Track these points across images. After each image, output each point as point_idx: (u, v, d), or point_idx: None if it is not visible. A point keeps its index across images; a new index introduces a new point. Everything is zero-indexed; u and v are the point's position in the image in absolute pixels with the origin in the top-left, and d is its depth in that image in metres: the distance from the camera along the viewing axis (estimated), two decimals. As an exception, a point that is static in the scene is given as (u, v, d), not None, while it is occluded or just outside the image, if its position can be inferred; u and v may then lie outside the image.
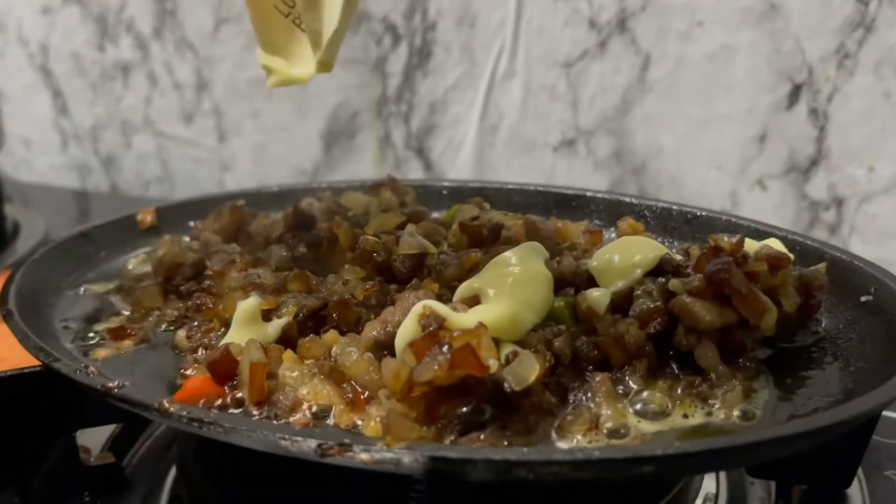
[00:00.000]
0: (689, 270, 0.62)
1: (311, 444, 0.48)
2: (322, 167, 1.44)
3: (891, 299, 0.63)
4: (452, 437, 0.51)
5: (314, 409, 0.56)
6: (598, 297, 0.60)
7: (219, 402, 0.57)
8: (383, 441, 0.49)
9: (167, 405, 0.53)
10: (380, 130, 1.37)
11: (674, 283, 0.59)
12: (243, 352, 0.59)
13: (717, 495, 0.67)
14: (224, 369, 0.59)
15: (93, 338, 0.69)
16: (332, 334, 0.61)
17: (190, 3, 1.46)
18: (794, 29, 1.05)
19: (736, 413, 0.55)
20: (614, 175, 1.21)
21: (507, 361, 0.53)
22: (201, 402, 0.57)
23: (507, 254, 0.65)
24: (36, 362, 0.61)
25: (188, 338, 0.67)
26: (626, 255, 0.63)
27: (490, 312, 0.57)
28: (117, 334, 0.69)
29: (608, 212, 0.89)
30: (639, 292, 0.60)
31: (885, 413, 0.66)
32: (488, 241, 0.73)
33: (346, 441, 0.47)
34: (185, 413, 0.52)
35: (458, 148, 1.32)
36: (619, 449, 0.49)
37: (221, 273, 0.72)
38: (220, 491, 0.67)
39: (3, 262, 1.21)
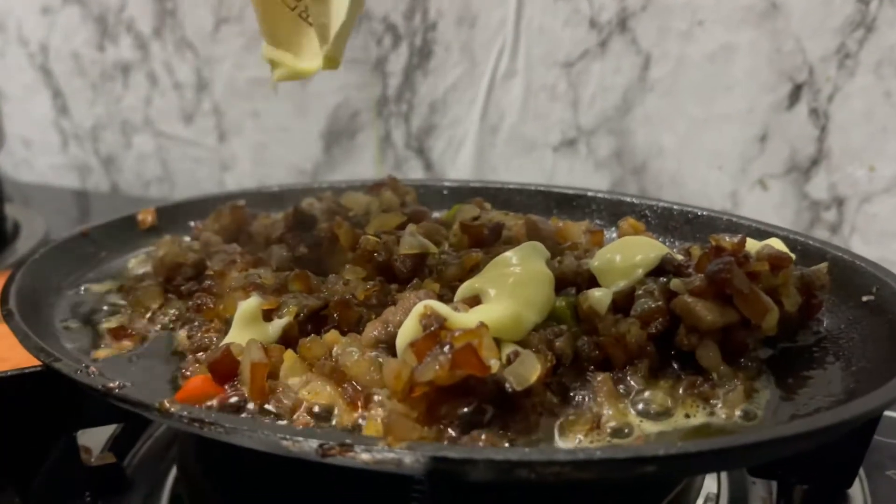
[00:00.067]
0: (690, 270, 0.62)
1: (313, 444, 0.48)
2: (322, 167, 1.44)
3: (892, 299, 0.63)
4: (454, 438, 0.51)
5: (315, 409, 0.56)
6: (599, 296, 0.60)
7: (219, 402, 0.57)
8: (385, 441, 0.49)
9: (168, 405, 0.53)
10: (380, 130, 1.37)
11: (675, 283, 0.59)
12: (244, 352, 0.59)
13: (718, 495, 0.67)
14: (225, 369, 0.59)
15: (94, 338, 0.69)
16: (332, 334, 0.61)
17: (190, 3, 1.46)
18: (795, 28, 1.04)
19: (738, 413, 0.55)
20: (615, 175, 1.21)
21: (509, 361, 0.53)
22: (202, 402, 0.56)
23: (508, 254, 0.65)
24: (36, 362, 0.61)
25: (189, 338, 0.67)
26: (627, 254, 0.63)
27: (491, 312, 0.57)
28: (118, 334, 0.69)
29: (609, 212, 0.89)
30: (640, 292, 0.60)
31: (887, 413, 0.66)
32: (489, 241, 0.73)
33: (348, 441, 0.47)
34: (185, 413, 0.52)
35: (458, 148, 1.32)
36: (621, 449, 0.49)
37: (222, 273, 0.72)
38: (221, 491, 0.67)
39: (3, 261, 1.21)
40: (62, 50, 1.62)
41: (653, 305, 0.59)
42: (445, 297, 0.63)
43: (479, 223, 0.75)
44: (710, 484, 0.68)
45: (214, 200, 0.93)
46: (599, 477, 0.46)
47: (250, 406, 0.57)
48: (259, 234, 0.83)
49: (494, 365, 0.51)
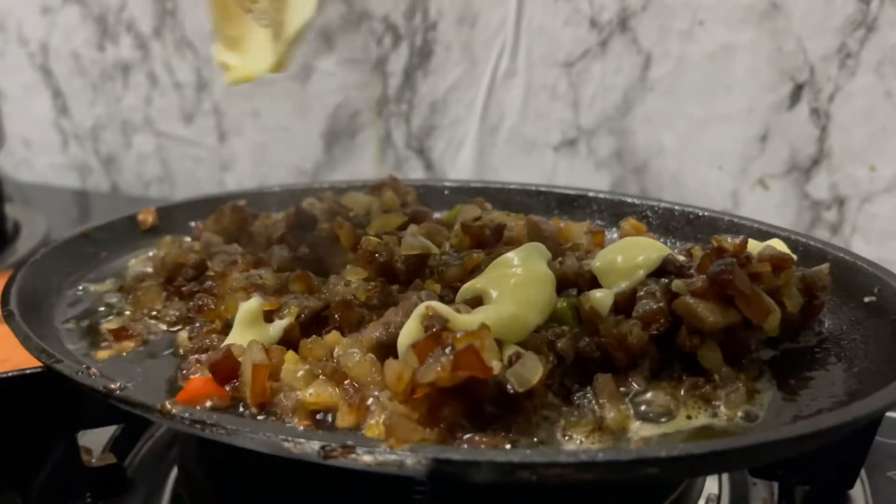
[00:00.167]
0: (692, 271, 0.62)
1: (314, 445, 0.48)
2: (322, 167, 1.44)
3: (894, 300, 0.63)
4: (455, 439, 0.51)
5: (316, 410, 0.56)
6: (601, 297, 0.60)
7: (220, 403, 0.57)
8: (386, 443, 0.49)
9: (169, 407, 0.53)
10: (380, 130, 1.37)
11: (677, 284, 0.59)
12: (245, 353, 0.59)
13: (719, 496, 0.67)
14: (226, 370, 0.59)
15: (94, 339, 0.69)
16: (334, 335, 0.61)
17: (190, 3, 1.46)
18: (796, 28, 1.04)
19: (739, 414, 0.55)
20: (615, 175, 1.21)
21: (511, 363, 0.53)
22: (203, 403, 0.56)
23: (510, 254, 0.65)
24: (37, 363, 0.61)
25: (190, 339, 0.67)
26: (628, 255, 0.63)
27: (493, 313, 0.56)
28: (119, 335, 0.69)
29: (610, 212, 0.89)
30: (642, 293, 0.60)
31: (888, 414, 0.66)
32: (490, 242, 0.73)
33: (350, 443, 0.47)
34: (187, 415, 0.52)
35: (458, 148, 1.32)
36: (623, 451, 0.49)
37: (223, 274, 0.72)
38: (222, 492, 0.67)
39: (3, 261, 1.21)
40: (62, 50, 1.61)
41: (654, 306, 0.59)
42: (446, 297, 0.64)
43: (480, 224, 0.75)
44: (711, 485, 0.68)
45: (215, 200, 0.93)
46: (601, 478, 0.46)
47: (251, 407, 0.57)
48: (260, 234, 0.83)
49: (496, 366, 0.51)
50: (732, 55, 1.09)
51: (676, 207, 0.85)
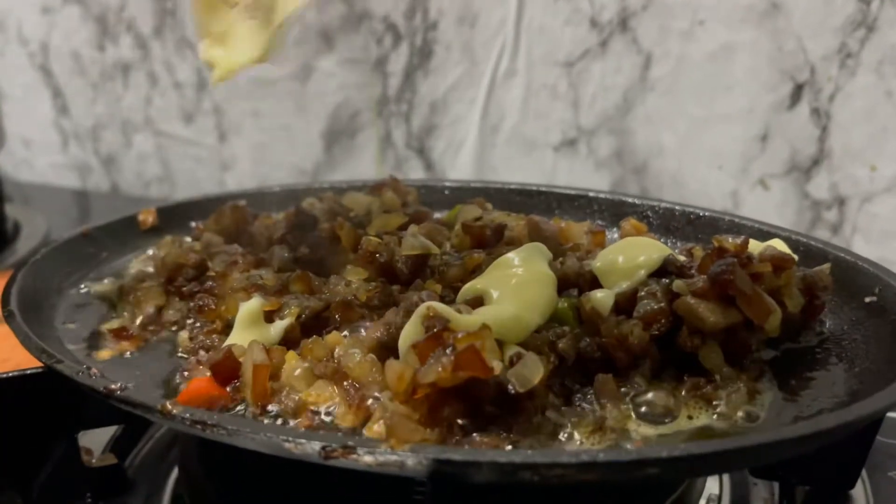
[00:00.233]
0: (692, 271, 0.61)
1: (315, 446, 0.48)
2: (322, 167, 1.44)
3: (895, 300, 0.63)
4: (456, 439, 0.51)
5: (317, 410, 0.56)
6: (601, 298, 0.60)
7: (221, 403, 0.57)
8: (387, 443, 0.49)
9: (170, 407, 0.53)
10: (380, 130, 1.37)
11: (678, 285, 0.59)
12: (246, 353, 0.59)
13: (720, 496, 0.67)
14: (227, 371, 0.59)
15: (95, 339, 0.69)
16: (334, 335, 0.61)
17: (190, 3, 1.46)
18: (796, 28, 1.04)
19: (741, 414, 0.55)
20: (615, 175, 1.21)
21: (512, 363, 0.53)
22: (204, 403, 0.56)
23: (511, 255, 0.65)
24: (38, 363, 0.61)
25: (190, 339, 0.67)
26: (629, 255, 0.63)
27: (494, 314, 0.56)
28: (119, 335, 0.69)
29: (611, 212, 0.89)
30: (643, 293, 0.60)
31: (889, 414, 0.66)
32: (491, 242, 0.73)
33: (350, 443, 0.47)
34: (188, 415, 0.52)
35: (458, 148, 1.32)
36: (624, 451, 0.49)
37: (224, 274, 0.72)
38: (223, 492, 0.67)
39: (4, 261, 1.21)
40: (62, 49, 1.61)
41: (655, 307, 0.59)
42: (447, 298, 0.63)
43: (480, 224, 0.75)
44: (711, 485, 0.68)
45: (215, 200, 0.93)
46: (602, 479, 0.46)
47: (252, 408, 0.57)
48: (260, 234, 0.83)
49: (497, 366, 0.51)
50: (733, 55, 1.09)
51: (677, 207, 0.84)
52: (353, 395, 0.56)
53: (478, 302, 0.60)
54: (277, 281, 0.69)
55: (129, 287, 0.77)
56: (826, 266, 0.66)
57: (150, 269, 0.80)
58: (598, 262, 0.64)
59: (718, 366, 0.58)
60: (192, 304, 0.71)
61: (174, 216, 0.92)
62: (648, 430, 0.54)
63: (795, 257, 0.63)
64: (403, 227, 0.77)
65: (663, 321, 0.59)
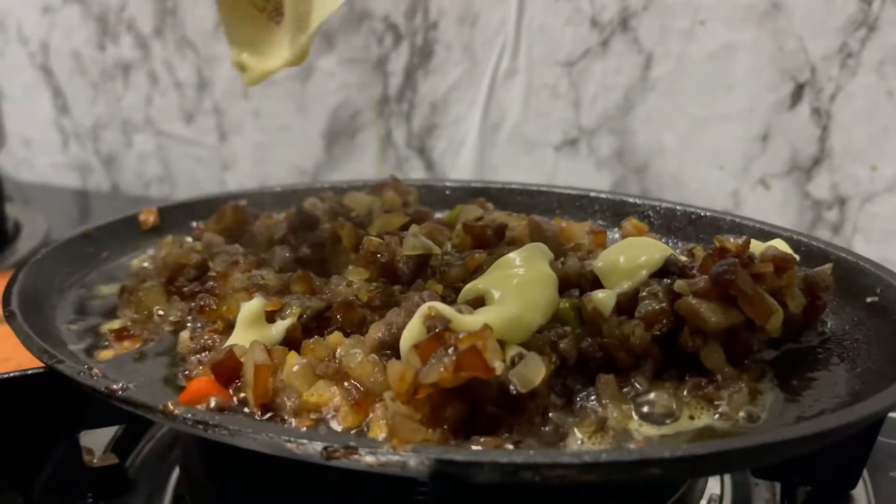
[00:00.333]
0: (694, 272, 0.61)
1: (317, 446, 0.48)
2: (323, 167, 1.44)
3: (896, 300, 0.63)
4: (458, 440, 0.51)
5: (319, 411, 0.56)
6: (603, 298, 0.60)
7: (222, 404, 0.57)
8: (389, 444, 0.49)
9: (172, 407, 0.53)
10: (381, 130, 1.37)
11: (679, 285, 0.59)
12: (247, 353, 0.59)
13: (721, 496, 0.67)
14: (228, 371, 0.59)
15: (96, 339, 0.69)
16: (336, 336, 0.61)
17: (190, 2, 1.46)
18: (797, 28, 1.04)
19: (742, 414, 0.55)
20: (616, 174, 1.21)
21: (513, 363, 0.53)
22: (205, 404, 0.56)
23: (512, 255, 0.65)
24: (39, 363, 0.61)
25: (192, 339, 0.67)
26: (631, 256, 0.63)
27: (495, 314, 0.56)
28: (120, 335, 0.69)
29: (612, 212, 0.89)
30: (644, 293, 0.60)
31: (891, 414, 0.66)
32: (492, 242, 0.73)
33: (352, 444, 0.47)
34: (189, 415, 0.52)
35: (459, 147, 1.31)
36: (626, 451, 0.49)
37: (225, 274, 0.72)
38: (224, 492, 0.67)
39: (4, 261, 1.21)
40: (62, 49, 1.61)
41: (657, 307, 0.59)
42: (448, 298, 0.64)
43: (482, 224, 0.75)
44: (713, 485, 0.68)
45: (216, 200, 0.93)
46: (604, 479, 0.46)
47: (253, 408, 0.57)
48: (261, 234, 0.83)
49: (499, 367, 0.51)
50: (733, 55, 1.09)
51: (678, 207, 0.84)
52: (355, 396, 0.56)
53: (479, 302, 0.60)
54: (279, 281, 0.69)
55: (130, 287, 0.77)
56: (827, 266, 0.66)
57: (151, 269, 0.80)
58: (600, 263, 0.64)
59: (720, 366, 0.58)
60: (193, 304, 0.71)
61: (175, 216, 0.92)
62: (650, 431, 0.54)
63: (797, 257, 0.63)
64: (405, 227, 0.77)
65: (665, 321, 0.59)
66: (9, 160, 1.68)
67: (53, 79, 1.65)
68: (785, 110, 1.08)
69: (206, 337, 0.66)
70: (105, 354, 0.66)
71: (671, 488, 0.63)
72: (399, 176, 0.94)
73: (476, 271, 0.66)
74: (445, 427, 0.51)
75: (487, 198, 0.90)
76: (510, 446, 0.50)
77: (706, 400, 0.56)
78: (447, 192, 0.97)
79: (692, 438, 0.53)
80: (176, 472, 0.73)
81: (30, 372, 0.62)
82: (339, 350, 0.59)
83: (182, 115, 1.54)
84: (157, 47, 1.51)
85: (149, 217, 0.90)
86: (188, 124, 1.54)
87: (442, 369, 0.50)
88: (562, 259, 0.66)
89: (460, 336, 0.51)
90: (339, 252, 0.76)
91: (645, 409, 0.56)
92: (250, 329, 0.63)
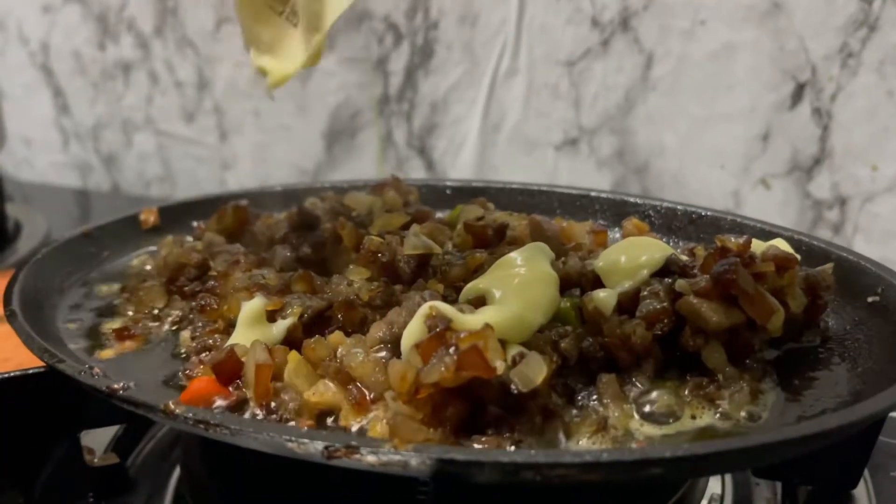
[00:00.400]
0: (695, 271, 0.61)
1: (318, 445, 0.48)
2: (323, 166, 1.44)
3: (898, 300, 0.63)
4: (459, 439, 0.51)
5: (320, 410, 0.56)
6: (604, 297, 0.60)
7: (224, 403, 0.57)
8: (390, 443, 0.49)
9: (173, 407, 0.53)
10: (381, 130, 1.37)
11: (681, 284, 0.59)
12: (248, 353, 0.59)
13: (722, 496, 0.67)
14: (229, 370, 0.59)
15: (97, 339, 0.69)
16: (337, 335, 0.61)
17: (191, 2, 1.46)
18: (798, 27, 1.04)
19: (744, 414, 0.55)
20: (617, 174, 1.21)
21: (514, 363, 0.53)
22: (206, 403, 0.56)
23: (513, 254, 0.65)
24: (40, 363, 0.61)
25: (192, 339, 0.67)
26: (632, 255, 0.63)
27: (496, 313, 0.56)
28: (121, 335, 0.69)
29: (612, 212, 0.89)
30: (645, 293, 0.60)
31: (892, 413, 0.66)
32: (493, 242, 0.73)
33: (354, 443, 0.47)
34: (190, 415, 0.52)
35: (459, 147, 1.31)
36: (628, 451, 0.49)
37: (226, 273, 0.72)
38: (225, 492, 0.67)
39: (4, 261, 1.21)
40: (63, 49, 1.61)
41: (658, 306, 0.59)
42: (449, 297, 0.64)
43: (482, 223, 0.75)
44: (714, 485, 0.68)
45: (217, 200, 0.93)
46: (606, 479, 0.46)
47: (254, 407, 0.57)
48: (262, 234, 0.83)
49: (500, 366, 0.51)
50: (734, 54, 1.09)
51: (679, 207, 0.84)
52: (356, 395, 0.55)
53: (480, 302, 0.60)
54: (280, 280, 0.69)
55: (131, 286, 0.77)
56: (828, 266, 0.65)
57: (152, 269, 0.80)
58: (601, 262, 0.64)
59: (721, 366, 0.58)
60: (193, 303, 0.71)
61: (175, 216, 0.92)
62: (651, 430, 0.54)
63: (798, 257, 0.63)
64: (405, 227, 0.77)
65: (666, 321, 0.59)
66: (9, 160, 1.68)
67: (54, 78, 1.65)
68: (785, 110, 1.08)
69: (206, 336, 0.66)
70: (106, 354, 0.66)
71: (672, 488, 0.63)
72: (399, 176, 0.94)
73: (477, 271, 0.66)
74: (447, 427, 0.51)
75: (488, 197, 0.90)
76: (511, 446, 0.50)
77: (707, 399, 0.56)
78: (448, 192, 0.97)
79: (693, 438, 0.53)
80: (177, 472, 0.73)
81: (30, 371, 0.62)
82: (340, 349, 0.59)
83: (182, 115, 1.54)
84: (157, 47, 1.51)
85: (149, 217, 0.90)
86: (188, 124, 1.54)
87: (443, 369, 0.50)
88: (563, 259, 0.66)
89: (461, 336, 0.51)
90: (340, 251, 0.75)
91: (646, 408, 0.56)
92: (251, 328, 0.63)
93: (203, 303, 0.70)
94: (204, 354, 0.64)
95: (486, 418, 0.52)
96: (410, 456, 0.46)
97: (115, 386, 0.56)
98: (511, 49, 1.23)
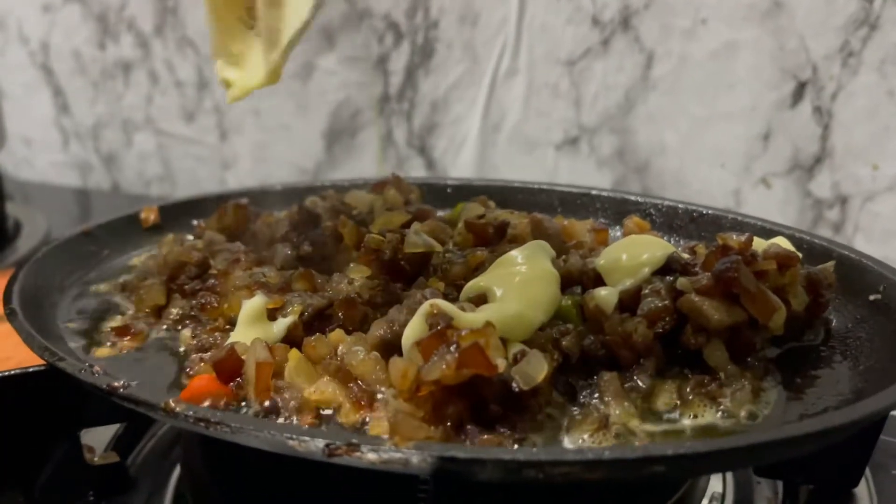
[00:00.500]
0: (696, 269, 0.61)
1: (319, 443, 0.47)
2: (324, 166, 1.44)
3: (899, 298, 0.63)
4: (460, 437, 0.51)
5: (320, 408, 0.56)
6: (605, 295, 0.60)
7: (224, 401, 0.57)
8: (391, 441, 0.49)
9: (173, 405, 0.53)
10: (381, 129, 1.37)
11: (682, 282, 0.59)
12: (248, 351, 0.59)
13: (723, 495, 0.67)
14: (229, 369, 0.58)
15: (97, 337, 0.69)
16: (338, 333, 0.60)
17: (191, 2, 1.46)
18: (799, 26, 1.04)
19: (746, 412, 0.55)
20: (617, 173, 1.21)
21: (516, 361, 0.53)
22: (206, 401, 0.56)
23: (514, 252, 0.64)
24: (40, 361, 0.61)
25: (193, 337, 0.67)
26: (633, 253, 0.63)
27: (497, 311, 0.56)
28: (122, 333, 0.69)
29: (613, 210, 0.88)
30: (646, 291, 0.60)
31: (894, 412, 0.66)
32: (494, 240, 0.73)
33: (354, 441, 0.47)
34: (191, 413, 0.52)
35: (460, 146, 1.31)
36: (630, 449, 0.48)
37: (226, 272, 0.72)
38: (225, 490, 0.67)
39: (4, 260, 1.21)
40: (63, 48, 1.61)
41: (659, 304, 0.59)
42: (450, 296, 0.63)
43: (483, 221, 0.75)
44: (715, 484, 0.68)
45: (217, 199, 0.93)
46: (607, 477, 0.46)
47: (255, 406, 0.56)
48: (262, 232, 0.83)
49: (501, 364, 0.51)
50: (735, 53, 1.09)
51: (680, 205, 0.84)
52: (357, 393, 0.55)
53: (481, 300, 0.60)
54: (280, 279, 0.69)
55: (131, 285, 0.77)
56: (830, 264, 0.65)
57: (152, 267, 0.80)
58: (602, 260, 0.64)
59: (723, 364, 0.58)
60: (194, 301, 0.71)
61: (176, 214, 0.92)
62: (653, 428, 0.54)
63: (800, 255, 0.63)
64: (406, 225, 0.77)
65: (667, 319, 0.58)
66: (9, 159, 1.68)
67: (54, 78, 1.65)
68: (786, 109, 1.07)
69: (207, 335, 0.66)
70: (106, 352, 0.66)
71: (673, 487, 0.63)
72: (400, 175, 0.93)
73: (478, 269, 0.66)
74: (448, 424, 0.51)
75: (489, 196, 0.90)
76: (512, 444, 0.50)
77: (709, 398, 0.56)
78: (448, 191, 0.97)
79: (695, 436, 0.53)
80: (177, 471, 0.72)
81: (31, 370, 0.62)
82: (340, 348, 0.59)
83: (182, 115, 1.54)
84: (157, 46, 1.51)
85: (149, 215, 0.90)
86: (189, 123, 1.54)
87: (444, 366, 0.50)
88: (564, 257, 0.66)
89: (462, 333, 0.51)
90: (340, 250, 0.75)
91: (648, 406, 0.56)
92: (252, 327, 0.63)
93: (203, 301, 0.70)
94: (204, 353, 0.63)
95: (487, 416, 0.52)
96: (411, 454, 0.46)
97: (116, 384, 0.56)
98: (511, 48, 1.22)
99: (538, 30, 1.20)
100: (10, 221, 1.35)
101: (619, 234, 0.83)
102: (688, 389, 0.57)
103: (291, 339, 0.62)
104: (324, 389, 0.57)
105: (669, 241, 0.71)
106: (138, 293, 0.74)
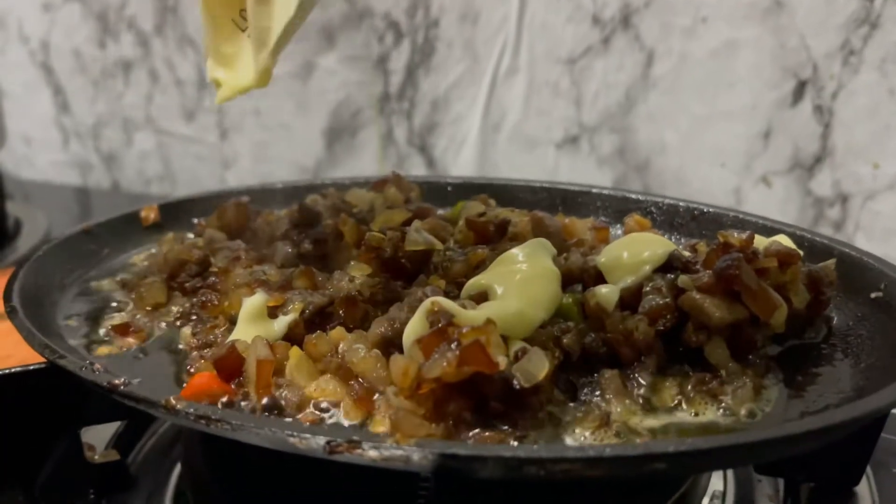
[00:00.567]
0: (697, 267, 0.61)
1: (320, 441, 0.47)
2: (324, 164, 1.44)
3: (901, 296, 0.63)
4: (461, 435, 0.51)
5: (321, 406, 0.56)
6: (606, 293, 0.60)
7: (225, 399, 0.57)
8: (392, 438, 0.48)
9: (174, 402, 0.53)
10: (382, 128, 1.37)
11: (683, 280, 0.59)
12: (249, 349, 0.59)
13: (724, 493, 0.67)
14: (230, 366, 0.58)
15: (97, 335, 0.69)
16: (338, 331, 0.60)
17: (191, 0, 1.46)
18: (799, 25, 1.04)
19: (747, 410, 0.55)
20: (618, 172, 1.21)
21: (517, 358, 0.53)
22: (207, 399, 0.56)
23: (515, 250, 0.64)
24: (40, 359, 0.61)
25: (194, 335, 0.67)
26: (634, 251, 0.63)
27: (498, 309, 0.56)
28: (122, 331, 0.69)
29: (614, 208, 0.88)
30: (648, 289, 0.60)
31: (895, 410, 0.66)
32: (495, 238, 0.73)
33: (355, 438, 0.47)
34: (192, 410, 0.52)
35: (460, 145, 1.31)
36: (631, 446, 0.48)
37: (226, 270, 0.72)
38: (226, 488, 0.67)
39: (5, 259, 1.21)
40: (63, 47, 1.61)
41: (660, 302, 0.59)
42: (451, 293, 0.63)
43: (484, 219, 0.75)
44: (716, 482, 0.68)
45: (217, 197, 0.93)
46: (609, 474, 0.46)
47: (256, 403, 0.56)
48: (263, 230, 0.83)
49: (502, 362, 0.51)
50: (735, 52, 1.09)
51: (681, 203, 0.84)
52: (357, 391, 0.55)
53: (482, 297, 0.60)
54: (281, 276, 0.69)
55: (132, 283, 0.77)
56: (831, 262, 0.65)
57: (153, 265, 0.80)
58: (603, 258, 0.64)
59: (724, 361, 0.58)
60: (194, 299, 0.71)
61: (176, 212, 0.92)
62: (654, 426, 0.54)
63: (801, 253, 0.63)
64: (407, 223, 0.77)
65: (668, 316, 0.58)
66: (9, 158, 1.68)
67: (54, 77, 1.65)
68: (787, 108, 1.07)
69: (207, 332, 0.66)
70: (107, 350, 0.66)
71: (675, 484, 0.63)
72: (400, 173, 0.93)
73: (479, 267, 0.66)
74: (449, 422, 0.51)
75: (489, 194, 0.89)
76: (514, 441, 0.50)
77: (710, 395, 0.56)
78: (449, 189, 0.97)
79: (696, 433, 0.53)
80: (178, 469, 0.72)
81: (31, 368, 0.62)
82: (341, 345, 0.59)
83: (183, 113, 1.54)
84: (157, 45, 1.51)
85: (150, 214, 0.90)
86: (189, 122, 1.54)
87: (445, 364, 0.50)
88: (565, 255, 0.66)
89: (463, 331, 0.51)
90: (341, 248, 0.75)
91: (648, 404, 0.56)
92: (252, 324, 0.63)
93: (204, 299, 0.70)
94: (205, 350, 0.63)
95: (488, 414, 0.52)
96: (412, 451, 0.46)
97: (116, 381, 0.56)
98: (512, 47, 1.22)
99: (538, 28, 1.20)
100: (10, 220, 1.35)
101: (619, 232, 0.83)
102: (689, 387, 0.57)
103: (292, 336, 0.62)
104: (325, 387, 0.57)
105: (670, 239, 0.72)
106: (139, 291, 0.74)
